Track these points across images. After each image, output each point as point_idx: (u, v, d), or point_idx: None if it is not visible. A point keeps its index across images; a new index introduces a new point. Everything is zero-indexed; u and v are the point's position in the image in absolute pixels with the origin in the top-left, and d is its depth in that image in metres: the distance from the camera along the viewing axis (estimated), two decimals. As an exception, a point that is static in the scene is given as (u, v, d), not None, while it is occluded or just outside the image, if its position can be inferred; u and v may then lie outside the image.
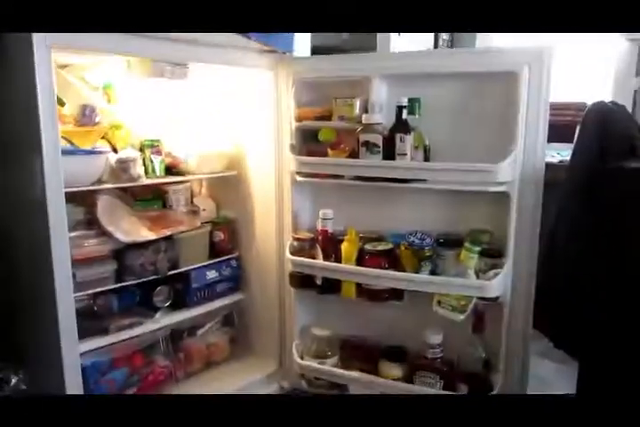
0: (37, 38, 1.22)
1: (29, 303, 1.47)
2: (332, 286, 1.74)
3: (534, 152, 1.49)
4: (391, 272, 1.60)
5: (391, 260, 1.62)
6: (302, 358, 1.83)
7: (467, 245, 1.51)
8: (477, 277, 1.53)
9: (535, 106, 1.47)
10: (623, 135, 1.78)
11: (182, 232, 1.80)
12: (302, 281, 1.80)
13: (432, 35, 3.24)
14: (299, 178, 1.79)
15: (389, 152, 1.57)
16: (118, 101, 1.75)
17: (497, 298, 1.53)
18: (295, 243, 1.79)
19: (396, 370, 1.69)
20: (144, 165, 1.67)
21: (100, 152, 1.57)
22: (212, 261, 1.93)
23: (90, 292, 1.56)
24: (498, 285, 1.50)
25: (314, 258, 1.73)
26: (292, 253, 1.77)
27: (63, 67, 1.63)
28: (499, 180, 1.46)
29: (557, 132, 1.63)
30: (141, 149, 1.69)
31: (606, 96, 2.66)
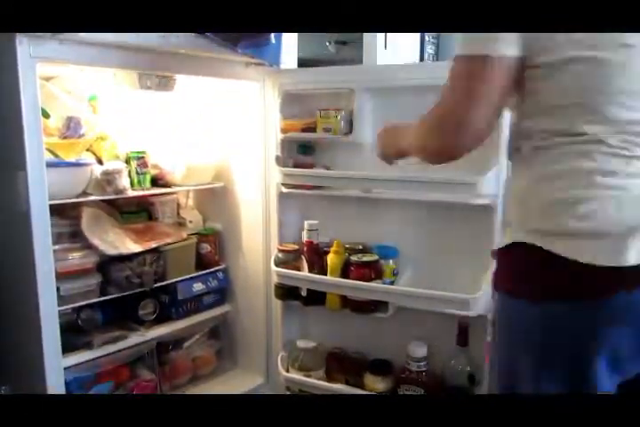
0: (21, 50, 1.22)
1: (12, 318, 1.45)
2: (316, 298, 1.74)
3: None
4: (373, 284, 1.59)
5: (376, 271, 1.62)
6: (288, 370, 1.82)
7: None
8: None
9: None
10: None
11: (168, 244, 1.79)
12: (287, 293, 1.79)
13: (418, 48, 3.27)
14: (284, 189, 1.79)
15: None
16: (104, 113, 1.74)
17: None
18: (280, 254, 1.78)
19: (380, 383, 1.68)
20: (130, 176, 1.66)
21: (85, 164, 1.56)
22: (198, 274, 1.92)
23: (74, 305, 1.55)
24: (485, 298, 1.48)
25: (299, 269, 1.73)
26: (276, 265, 1.76)
27: (48, 79, 1.63)
28: (481, 192, 1.46)
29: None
30: (127, 161, 1.68)
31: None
